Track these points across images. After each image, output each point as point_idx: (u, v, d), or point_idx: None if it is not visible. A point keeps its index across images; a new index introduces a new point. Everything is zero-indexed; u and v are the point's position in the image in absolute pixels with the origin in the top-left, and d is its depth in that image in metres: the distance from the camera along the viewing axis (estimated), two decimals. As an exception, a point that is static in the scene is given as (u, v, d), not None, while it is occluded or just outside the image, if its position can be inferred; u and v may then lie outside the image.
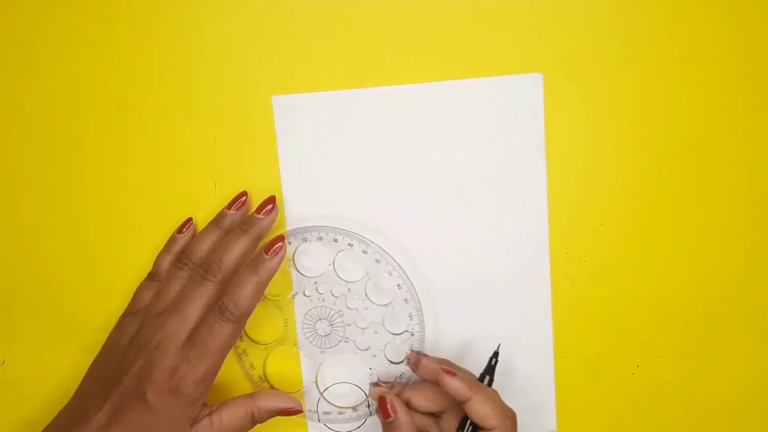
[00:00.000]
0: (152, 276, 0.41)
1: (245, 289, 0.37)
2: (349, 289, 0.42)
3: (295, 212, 0.42)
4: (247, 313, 0.37)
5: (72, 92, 0.41)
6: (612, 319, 0.44)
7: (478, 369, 0.41)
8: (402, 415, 0.39)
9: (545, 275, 0.43)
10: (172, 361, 0.36)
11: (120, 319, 0.40)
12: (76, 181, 0.41)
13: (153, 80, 0.41)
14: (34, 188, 0.41)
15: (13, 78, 0.41)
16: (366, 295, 0.42)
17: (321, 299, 0.42)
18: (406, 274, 0.41)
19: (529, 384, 0.44)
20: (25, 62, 0.40)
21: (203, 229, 0.41)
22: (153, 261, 0.42)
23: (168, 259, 0.41)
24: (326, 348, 0.42)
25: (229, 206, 0.40)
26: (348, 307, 0.42)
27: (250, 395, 0.39)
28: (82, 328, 0.42)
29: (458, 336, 0.43)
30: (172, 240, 0.41)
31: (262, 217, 0.39)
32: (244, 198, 0.41)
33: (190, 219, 0.41)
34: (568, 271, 0.43)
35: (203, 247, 0.39)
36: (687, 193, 0.43)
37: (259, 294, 0.37)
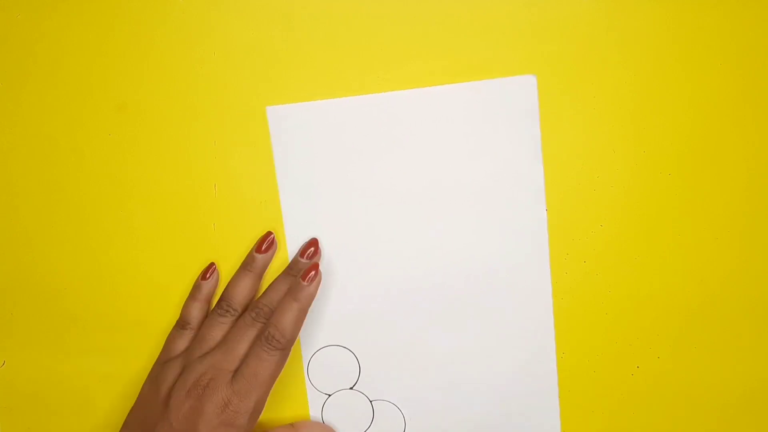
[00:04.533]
0: (183, 324, 0.41)
1: (288, 317, 0.39)
2: None
3: (293, 219, 0.42)
4: (292, 340, 0.39)
5: (71, 95, 0.41)
6: (612, 319, 0.44)
7: (483, 378, 0.41)
8: None
9: (545, 277, 0.43)
10: (224, 396, 0.37)
11: (154, 368, 0.41)
12: (76, 184, 0.41)
13: (153, 82, 0.41)
14: (34, 191, 0.41)
15: (13, 80, 0.41)
16: None
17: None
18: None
19: (532, 387, 0.44)
20: (25, 64, 0.40)
21: (236, 275, 0.41)
22: (151, 261, 0.42)
23: (197, 305, 0.41)
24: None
25: (258, 249, 0.41)
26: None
27: (293, 426, 0.41)
28: (82, 331, 0.42)
29: (457, 339, 0.43)
30: (197, 287, 0.41)
31: (306, 261, 0.41)
32: (271, 237, 0.41)
33: (212, 264, 0.42)
34: (568, 272, 0.43)
35: (241, 293, 0.41)
36: (687, 194, 0.43)
37: (301, 320, 0.39)
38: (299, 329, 0.39)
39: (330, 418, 0.43)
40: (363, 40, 0.40)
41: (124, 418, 0.43)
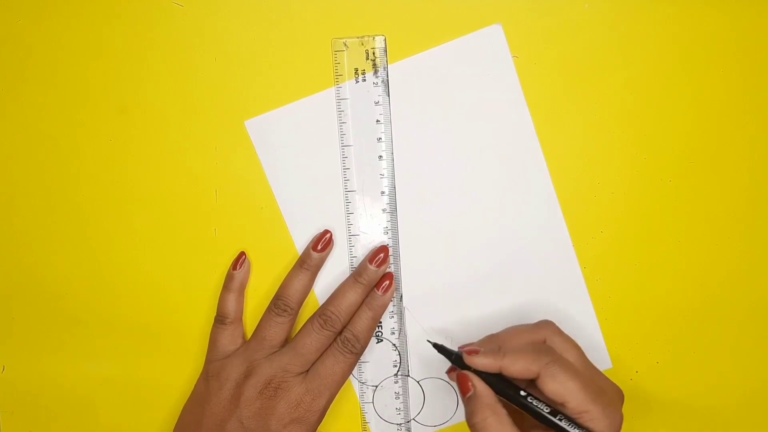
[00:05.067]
0: (222, 319, 0.42)
1: (364, 324, 0.40)
2: None
3: (293, 217, 0.42)
4: (365, 346, 0.41)
5: (72, 100, 0.41)
6: (611, 324, 0.44)
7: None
8: (480, 388, 0.37)
9: (553, 279, 0.43)
10: (297, 395, 0.39)
11: (209, 365, 0.41)
12: (78, 188, 0.41)
13: (154, 87, 0.41)
14: (35, 195, 0.41)
15: (14, 84, 0.41)
16: None
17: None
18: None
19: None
20: (27, 68, 0.40)
21: (291, 273, 0.42)
22: (152, 265, 0.42)
23: (232, 297, 0.42)
24: None
25: (314, 247, 0.41)
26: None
27: None
28: (83, 335, 0.43)
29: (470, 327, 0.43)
30: (230, 277, 0.42)
31: (375, 269, 0.41)
32: (328, 236, 0.42)
33: (242, 254, 0.42)
34: (568, 277, 0.43)
35: (297, 291, 0.41)
36: (687, 200, 0.43)
37: (374, 328, 0.41)
38: (371, 336, 0.41)
39: (380, 407, 0.44)
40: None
41: (125, 420, 0.43)
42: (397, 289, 0.43)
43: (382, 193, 0.42)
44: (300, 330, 0.41)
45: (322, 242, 0.41)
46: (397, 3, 0.40)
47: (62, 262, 0.42)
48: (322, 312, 0.40)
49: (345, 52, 0.40)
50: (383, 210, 0.42)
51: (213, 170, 0.42)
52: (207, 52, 0.40)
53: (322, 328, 0.40)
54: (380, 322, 0.43)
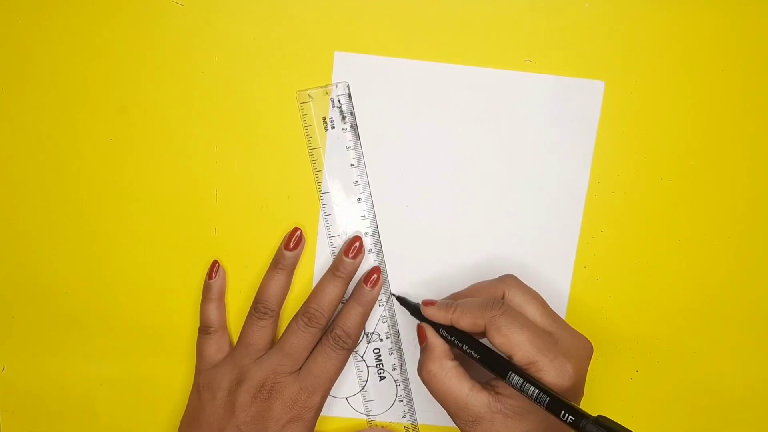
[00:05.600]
0: (206, 329, 0.41)
1: (353, 320, 0.40)
2: None
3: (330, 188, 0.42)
4: (357, 341, 0.41)
5: (73, 98, 0.41)
6: (611, 324, 0.44)
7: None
8: (432, 341, 0.38)
9: (567, 280, 0.43)
10: (291, 394, 0.39)
11: (199, 377, 0.41)
12: (78, 187, 0.41)
13: (154, 87, 0.41)
14: (35, 194, 0.41)
15: (14, 83, 0.41)
16: None
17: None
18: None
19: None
20: (27, 68, 0.40)
21: (267, 275, 0.41)
22: (153, 265, 0.42)
23: (212, 306, 0.42)
24: None
25: (286, 246, 0.41)
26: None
27: None
28: (83, 335, 0.43)
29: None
30: (207, 288, 0.42)
31: (351, 261, 0.41)
32: (299, 233, 0.41)
33: (215, 262, 0.42)
34: (568, 277, 0.43)
35: (276, 292, 0.41)
36: (687, 200, 0.43)
37: (364, 323, 0.41)
38: (362, 331, 0.41)
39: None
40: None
41: (125, 421, 0.43)
42: (393, 325, 0.43)
43: (362, 217, 0.42)
44: (285, 330, 0.41)
45: (294, 240, 0.41)
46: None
47: (62, 262, 0.42)
48: (305, 310, 0.40)
49: (310, 102, 0.40)
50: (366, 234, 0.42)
51: (213, 170, 0.42)
52: (207, 52, 0.40)
53: (307, 326, 0.40)
54: (381, 359, 0.43)
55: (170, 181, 0.42)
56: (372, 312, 0.42)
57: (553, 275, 0.43)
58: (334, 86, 0.40)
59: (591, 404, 0.44)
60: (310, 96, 0.40)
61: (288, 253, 0.41)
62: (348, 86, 0.40)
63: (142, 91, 0.41)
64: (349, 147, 0.41)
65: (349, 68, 0.41)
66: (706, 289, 0.44)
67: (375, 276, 0.41)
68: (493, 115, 0.42)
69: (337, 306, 0.41)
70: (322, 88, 0.40)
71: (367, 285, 0.41)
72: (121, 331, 0.43)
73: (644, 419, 0.45)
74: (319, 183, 0.41)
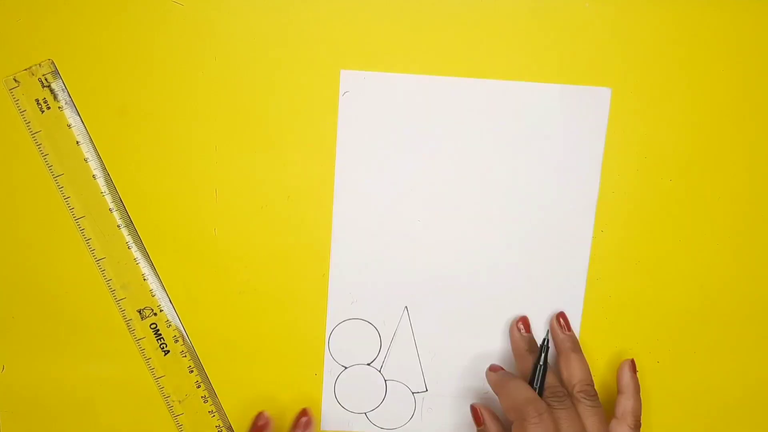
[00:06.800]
0: None
1: None
2: None
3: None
4: None
5: (73, 98, 0.41)
6: (612, 324, 0.44)
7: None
8: (489, 425, 0.40)
9: (581, 285, 0.43)
10: None
11: None
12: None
13: (154, 87, 0.41)
14: (35, 195, 0.41)
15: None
16: None
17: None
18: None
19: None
20: (26, 67, 0.40)
21: None
22: (152, 264, 0.42)
23: None
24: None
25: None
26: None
27: None
28: (83, 336, 0.43)
29: (480, 338, 0.44)
30: None
31: None
32: (306, 419, 0.42)
33: (261, 414, 0.43)
34: (568, 277, 0.43)
35: None
36: (687, 200, 0.43)
37: None
38: None
39: (342, 391, 0.44)
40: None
41: (125, 421, 0.43)
42: (162, 297, 0.42)
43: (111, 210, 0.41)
44: None
45: (300, 428, 0.42)
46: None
47: (62, 262, 0.42)
48: None
49: (18, 87, 0.38)
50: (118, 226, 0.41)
51: (213, 170, 0.42)
52: (207, 52, 0.40)
53: None
54: (160, 334, 0.42)
55: (170, 181, 0.41)
56: (138, 287, 0.41)
57: (566, 284, 0.43)
58: (38, 66, 0.38)
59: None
60: (15, 81, 0.38)
61: None
62: (53, 63, 0.38)
63: (142, 91, 0.41)
64: (70, 125, 0.39)
65: (354, 81, 0.41)
66: (706, 289, 0.44)
67: (305, 418, 0.42)
68: (501, 126, 0.42)
69: None
70: (26, 70, 0.38)
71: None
72: (121, 332, 0.43)
73: (644, 419, 0.45)
74: (49, 166, 0.40)
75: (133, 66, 0.40)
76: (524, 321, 0.42)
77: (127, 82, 0.40)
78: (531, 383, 0.39)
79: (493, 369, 0.42)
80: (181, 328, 0.41)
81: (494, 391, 0.41)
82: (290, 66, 0.41)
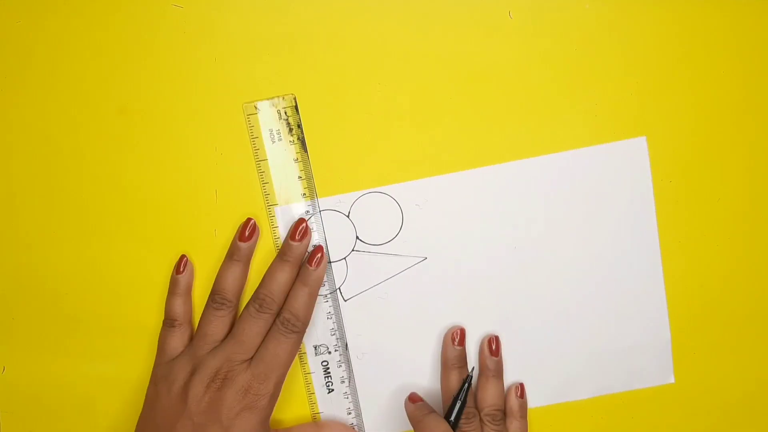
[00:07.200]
0: (171, 322, 0.41)
1: (300, 301, 0.40)
2: None
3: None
4: (306, 323, 0.40)
5: (72, 99, 0.41)
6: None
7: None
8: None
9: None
10: (244, 382, 0.38)
11: (157, 369, 0.41)
12: (78, 187, 0.41)
13: (154, 87, 0.41)
14: (35, 195, 0.41)
15: (14, 84, 0.41)
16: None
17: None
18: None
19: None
20: (26, 68, 0.40)
21: (223, 266, 0.41)
22: (153, 267, 0.42)
23: (179, 300, 0.41)
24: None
25: (241, 237, 0.41)
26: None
27: (316, 424, 0.42)
28: (83, 335, 0.43)
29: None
30: (174, 282, 0.42)
31: (298, 244, 0.41)
32: (252, 223, 0.41)
33: (183, 257, 0.42)
34: (568, 277, 0.43)
35: (232, 283, 0.41)
36: (688, 200, 0.43)
37: (312, 303, 0.41)
38: (311, 312, 0.40)
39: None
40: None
41: (126, 421, 0.43)
42: (341, 338, 0.43)
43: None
44: (238, 318, 0.40)
45: (248, 230, 0.41)
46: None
47: (62, 262, 0.42)
48: (256, 296, 0.40)
49: (257, 114, 0.41)
50: None
51: (213, 170, 0.42)
52: (207, 52, 0.40)
53: (259, 312, 0.40)
54: (329, 372, 0.43)
55: (170, 181, 0.42)
56: (320, 324, 0.42)
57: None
58: (280, 99, 0.40)
59: (591, 404, 0.45)
60: (256, 108, 0.40)
61: (242, 245, 0.41)
62: (294, 98, 0.40)
63: (141, 91, 0.41)
64: (296, 159, 0.41)
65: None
66: (706, 289, 0.44)
67: (319, 255, 0.41)
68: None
69: (287, 290, 0.40)
70: (269, 100, 0.40)
71: (311, 265, 0.40)
72: (121, 332, 0.43)
73: (645, 420, 0.45)
74: (266, 195, 0.41)
75: (133, 66, 0.40)
76: (461, 332, 0.42)
77: (126, 82, 0.41)
78: (448, 415, 0.40)
79: (412, 399, 0.42)
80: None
81: (411, 423, 0.41)
82: (290, 66, 0.41)
